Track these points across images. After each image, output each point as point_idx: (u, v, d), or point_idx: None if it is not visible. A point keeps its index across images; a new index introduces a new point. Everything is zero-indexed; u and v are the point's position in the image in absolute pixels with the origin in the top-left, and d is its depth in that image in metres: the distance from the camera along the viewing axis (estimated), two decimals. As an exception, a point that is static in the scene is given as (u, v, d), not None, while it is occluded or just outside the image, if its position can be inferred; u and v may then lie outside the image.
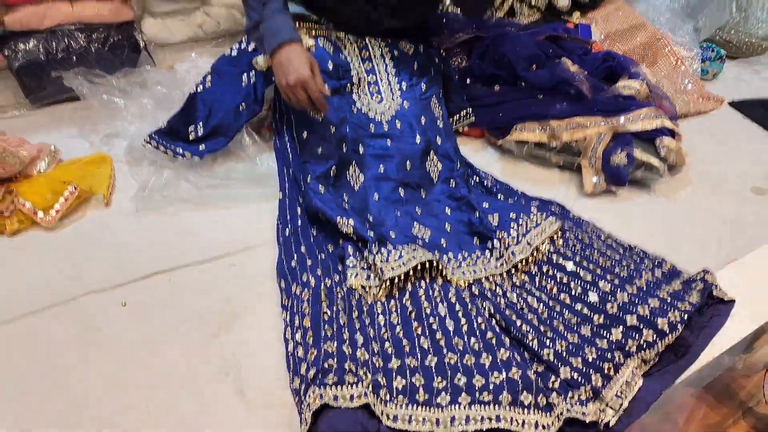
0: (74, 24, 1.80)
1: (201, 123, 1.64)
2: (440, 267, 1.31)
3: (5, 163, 1.42)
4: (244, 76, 1.65)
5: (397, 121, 1.64)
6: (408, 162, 1.59)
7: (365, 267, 1.31)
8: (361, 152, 1.58)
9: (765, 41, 2.55)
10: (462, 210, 1.52)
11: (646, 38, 2.33)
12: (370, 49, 1.71)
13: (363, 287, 1.28)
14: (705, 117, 2.15)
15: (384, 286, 1.27)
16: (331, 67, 1.62)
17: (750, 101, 2.24)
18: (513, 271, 1.37)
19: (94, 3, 1.80)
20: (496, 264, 1.37)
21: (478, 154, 1.84)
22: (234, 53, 1.71)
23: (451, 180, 1.60)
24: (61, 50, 1.78)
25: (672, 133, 1.81)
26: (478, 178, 1.71)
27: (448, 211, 1.54)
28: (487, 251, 1.40)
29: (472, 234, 1.46)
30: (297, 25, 1.64)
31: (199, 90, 1.70)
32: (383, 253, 1.31)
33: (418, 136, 1.62)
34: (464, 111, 1.88)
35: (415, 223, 1.47)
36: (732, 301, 1.35)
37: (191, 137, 1.64)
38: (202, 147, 1.63)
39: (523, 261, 1.37)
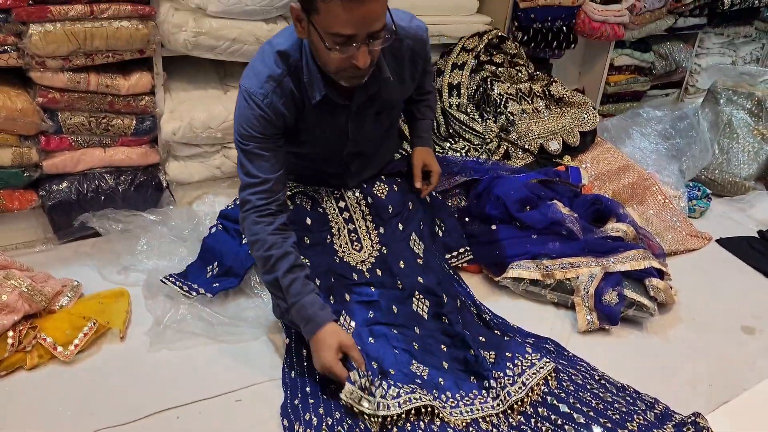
0: (105, 167, 1.97)
1: (216, 263, 1.77)
2: (436, 410, 1.36)
3: (33, 301, 1.52)
4: None
5: (377, 269, 1.71)
6: (394, 306, 1.64)
7: (362, 388, 1.35)
8: (348, 300, 1.63)
9: (747, 180, 2.71)
10: (457, 347, 1.58)
11: (634, 178, 2.49)
12: (346, 199, 1.79)
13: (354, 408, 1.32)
14: (694, 255, 2.25)
15: (377, 420, 1.32)
16: (309, 222, 1.71)
17: (736, 239, 2.35)
18: (509, 411, 1.42)
19: (125, 148, 1.98)
20: (493, 404, 1.42)
21: (476, 288, 1.93)
22: (231, 206, 1.92)
23: (443, 317, 1.66)
24: (91, 191, 1.93)
25: (660, 273, 1.91)
26: (476, 310, 1.77)
27: (444, 348, 1.59)
28: (483, 391, 1.45)
29: (469, 373, 1.51)
30: None
31: (212, 231, 1.88)
32: (384, 386, 1.36)
33: (398, 282, 1.69)
34: (462, 248, 1.98)
35: (413, 360, 1.52)
36: (724, 445, 1.38)
37: (208, 275, 1.76)
38: (216, 284, 1.73)
39: (519, 401, 1.42)
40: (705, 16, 3.31)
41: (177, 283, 1.76)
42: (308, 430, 1.31)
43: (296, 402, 1.40)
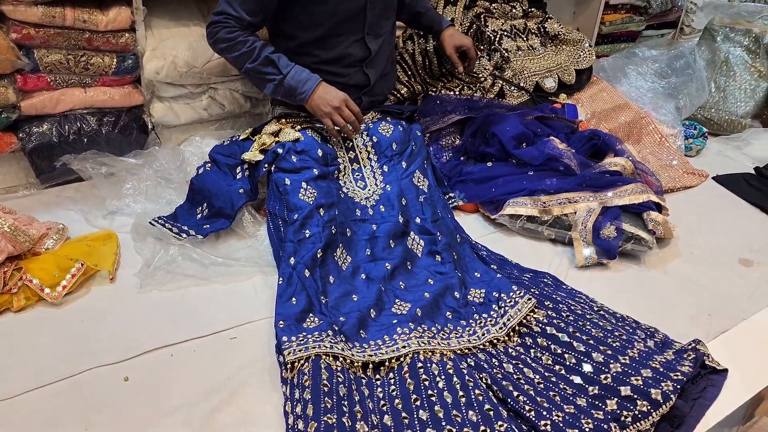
0: (86, 108, 1.90)
1: (205, 205, 1.73)
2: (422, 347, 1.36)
3: (16, 242, 1.47)
4: (238, 168, 1.78)
5: (381, 205, 1.76)
6: (391, 241, 1.67)
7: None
8: (348, 235, 1.67)
9: (744, 119, 2.67)
10: (445, 285, 1.57)
11: (630, 117, 2.45)
12: (353, 139, 1.85)
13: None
14: (691, 191, 2.23)
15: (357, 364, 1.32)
16: (320, 154, 1.75)
17: (733, 176, 2.33)
18: (508, 341, 1.40)
19: (107, 88, 1.90)
20: (469, 338, 1.40)
21: (472, 227, 1.90)
22: (227, 142, 1.89)
23: (437, 254, 1.67)
24: (72, 133, 1.86)
25: (659, 207, 1.88)
26: (471, 248, 1.76)
27: (431, 281, 1.59)
28: (459, 327, 1.44)
29: (449, 309, 1.50)
30: (282, 121, 1.83)
31: (200, 172, 1.82)
32: (356, 345, 1.37)
33: (399, 216, 1.72)
34: (447, 196, 1.97)
35: (396, 300, 1.52)
36: (725, 371, 1.37)
37: (198, 217, 1.72)
38: (206, 226, 1.69)
39: (496, 339, 1.40)
40: (702, -49, 3.22)
41: (166, 225, 1.71)
42: (306, 362, 1.28)
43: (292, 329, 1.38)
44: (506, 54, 2.35)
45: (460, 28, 2.41)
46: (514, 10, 2.52)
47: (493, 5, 2.48)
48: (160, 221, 1.72)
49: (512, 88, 2.35)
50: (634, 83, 2.66)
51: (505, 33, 2.40)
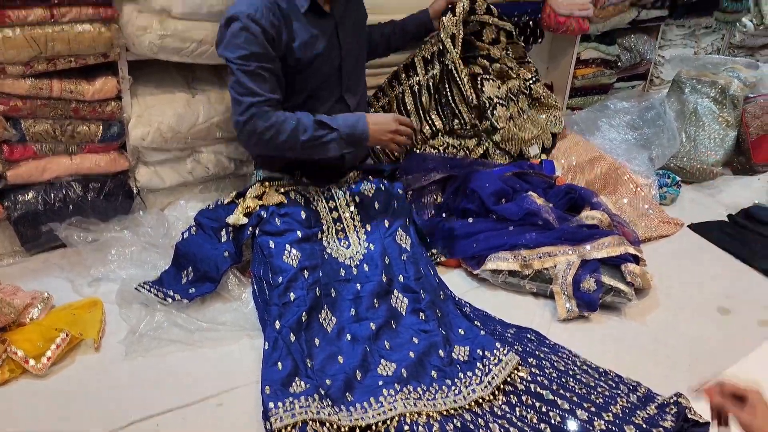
0: (72, 175, 1.92)
1: (191, 268, 1.75)
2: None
3: (1, 313, 1.47)
4: (223, 231, 1.80)
5: (365, 264, 1.78)
6: (375, 300, 1.69)
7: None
8: (333, 295, 1.69)
9: (715, 167, 2.76)
10: (430, 343, 1.58)
11: (605, 168, 2.52)
12: (336, 198, 1.90)
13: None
14: (667, 240, 2.28)
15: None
16: (304, 216, 1.79)
17: (708, 224, 2.39)
18: (493, 399, 1.41)
19: (93, 155, 1.93)
20: (455, 398, 1.42)
21: (455, 283, 1.92)
22: (212, 206, 1.92)
23: (420, 312, 1.68)
24: (58, 201, 1.88)
25: (636, 259, 1.93)
26: (455, 304, 1.78)
27: (415, 340, 1.60)
28: (444, 387, 1.45)
29: (434, 368, 1.51)
30: (266, 185, 1.87)
31: (185, 236, 1.85)
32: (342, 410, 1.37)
33: (383, 275, 1.74)
34: (430, 252, 2.01)
35: (382, 360, 1.53)
36: (707, 424, 1.39)
37: (183, 281, 1.73)
38: (192, 290, 1.71)
39: (482, 399, 1.42)
40: (666, 8, 3.36)
41: (152, 290, 1.73)
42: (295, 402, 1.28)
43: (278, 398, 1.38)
44: (497, 124, 2.37)
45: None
46: (510, 72, 2.54)
47: (493, 65, 2.50)
48: (145, 286, 1.74)
49: (496, 150, 2.39)
50: (607, 135, 2.74)
51: (500, 101, 2.41)
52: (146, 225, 1.95)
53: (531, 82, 2.60)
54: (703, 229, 2.35)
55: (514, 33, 2.52)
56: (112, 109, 1.90)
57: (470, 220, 2.06)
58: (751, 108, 2.88)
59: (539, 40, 2.90)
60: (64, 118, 1.85)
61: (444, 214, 2.13)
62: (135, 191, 2.02)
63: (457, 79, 2.23)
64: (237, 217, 1.79)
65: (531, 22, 2.83)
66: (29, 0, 1.66)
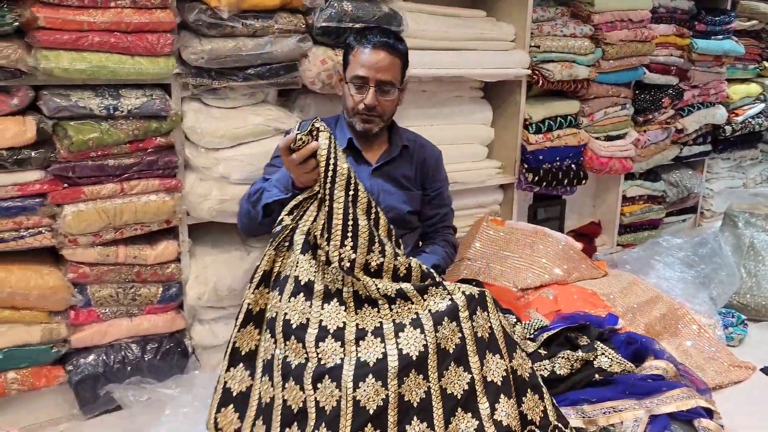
0: (131, 337, 1.98)
1: None
2: None
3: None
4: None
5: None
6: None
7: None
8: None
9: (782, 303, 2.64)
10: None
11: (665, 309, 2.43)
12: None
13: None
14: (740, 387, 2.15)
15: None
16: None
17: (781, 367, 2.25)
18: None
19: (152, 316, 2.00)
20: None
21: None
22: None
23: None
24: (117, 362, 1.92)
25: (709, 412, 1.81)
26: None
27: None
28: None
29: None
30: None
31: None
32: None
33: None
34: None
35: None
36: None
37: None
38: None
39: None
40: (709, 143, 3.41)
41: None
42: None
43: None
44: None
45: None
46: None
47: None
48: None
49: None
50: (663, 274, 2.68)
51: None
52: (200, 385, 1.95)
53: None
54: (777, 372, 2.21)
55: None
56: (171, 270, 1.99)
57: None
58: (811, 239, 2.80)
59: (583, 182, 2.95)
60: (127, 281, 1.94)
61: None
62: (190, 350, 2.06)
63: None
64: None
65: (574, 165, 2.90)
66: (102, 176, 1.82)
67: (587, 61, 2.78)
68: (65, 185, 1.78)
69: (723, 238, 2.90)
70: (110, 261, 1.89)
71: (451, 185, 2.54)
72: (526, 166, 2.78)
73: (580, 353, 1.89)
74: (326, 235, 1.56)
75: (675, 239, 2.93)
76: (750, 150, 3.65)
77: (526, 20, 2.64)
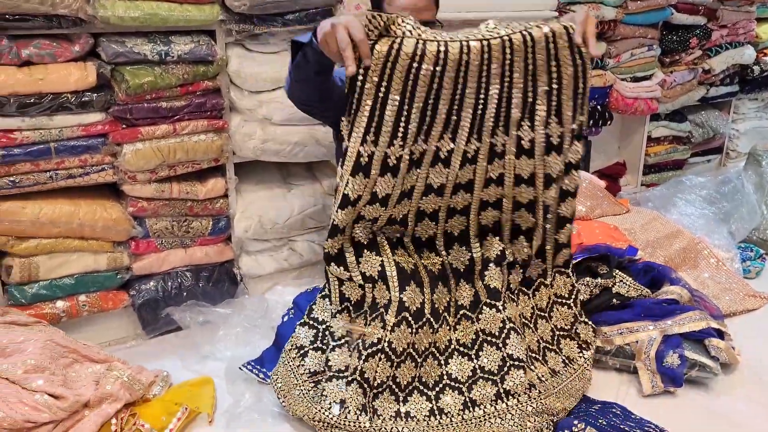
0: (186, 266, 2.17)
1: None
2: None
3: (133, 390, 1.67)
4: None
5: None
6: None
7: None
8: None
9: (800, 238, 2.72)
10: None
11: (684, 243, 2.54)
12: None
13: None
14: (753, 315, 2.26)
15: None
16: None
17: (796, 296, 2.35)
18: None
19: (203, 247, 2.19)
20: None
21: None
22: (309, 289, 2.05)
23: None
24: (174, 288, 2.13)
25: (720, 333, 1.94)
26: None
27: None
28: None
29: None
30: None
31: (284, 320, 2.00)
32: None
33: None
34: None
35: None
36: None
37: None
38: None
39: None
40: (736, 83, 3.43)
41: (253, 370, 1.88)
42: None
43: None
44: None
45: None
46: None
47: None
48: (248, 366, 1.89)
49: None
50: (684, 211, 2.77)
51: None
52: (249, 308, 2.14)
53: None
54: (791, 302, 2.32)
55: None
56: (220, 205, 2.16)
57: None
58: (832, 177, 2.85)
59: (609, 123, 3.02)
60: (180, 215, 2.12)
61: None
62: (239, 278, 2.24)
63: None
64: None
65: (599, 106, 2.97)
66: (156, 117, 1.97)
67: (614, 2, 2.81)
68: (124, 126, 1.94)
69: (746, 176, 2.96)
70: (165, 196, 2.06)
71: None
72: (552, 107, 2.85)
73: (599, 280, 2.02)
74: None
75: (698, 178, 2.99)
76: (778, 90, 3.66)
77: (554, -38, 2.68)
